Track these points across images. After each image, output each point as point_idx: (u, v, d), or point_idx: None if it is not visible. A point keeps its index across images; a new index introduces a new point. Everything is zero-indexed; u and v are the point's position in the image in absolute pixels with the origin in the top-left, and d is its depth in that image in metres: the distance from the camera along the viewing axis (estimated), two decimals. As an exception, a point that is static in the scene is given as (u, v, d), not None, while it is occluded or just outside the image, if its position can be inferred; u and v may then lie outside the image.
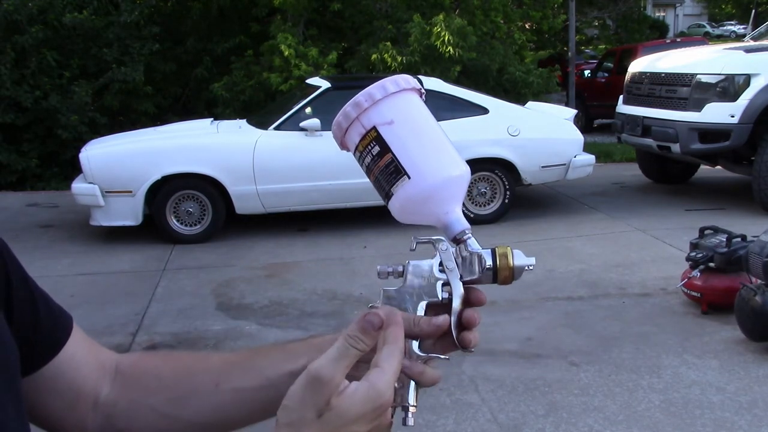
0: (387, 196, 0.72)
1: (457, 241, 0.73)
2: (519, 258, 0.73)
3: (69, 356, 0.80)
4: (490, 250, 0.73)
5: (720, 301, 4.32)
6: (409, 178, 0.70)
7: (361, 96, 0.71)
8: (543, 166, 7.14)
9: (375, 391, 0.61)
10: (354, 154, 0.74)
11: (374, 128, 0.71)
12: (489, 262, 0.72)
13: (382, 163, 0.71)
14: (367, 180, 0.73)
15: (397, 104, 0.71)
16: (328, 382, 0.60)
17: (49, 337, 0.79)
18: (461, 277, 0.73)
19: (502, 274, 0.72)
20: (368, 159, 0.72)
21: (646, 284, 5.06)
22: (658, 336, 4.16)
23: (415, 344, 0.71)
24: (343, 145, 0.74)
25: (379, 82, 0.72)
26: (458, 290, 0.72)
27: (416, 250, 0.75)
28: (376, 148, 0.71)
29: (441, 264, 0.73)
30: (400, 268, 0.73)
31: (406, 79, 0.73)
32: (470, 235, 0.73)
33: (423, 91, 0.75)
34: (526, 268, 0.73)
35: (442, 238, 0.74)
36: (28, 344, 0.76)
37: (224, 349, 4.19)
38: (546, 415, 3.29)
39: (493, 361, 3.85)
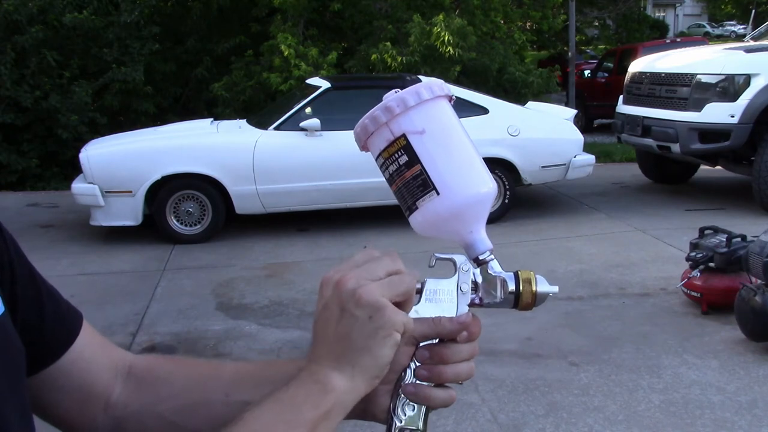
0: (410, 209, 0.69)
1: (479, 262, 0.70)
2: (542, 284, 0.71)
3: (78, 354, 0.79)
4: (512, 275, 0.71)
5: (720, 301, 4.32)
6: (438, 194, 0.67)
7: (393, 101, 0.68)
8: (543, 166, 7.15)
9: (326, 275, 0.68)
10: (376, 159, 0.70)
11: (404, 136, 0.68)
12: (512, 287, 0.70)
13: (409, 175, 0.68)
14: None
15: (429, 112, 0.68)
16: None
17: (58, 335, 0.78)
18: (481, 301, 0.71)
19: (524, 300, 0.71)
20: (393, 167, 0.69)
21: (646, 284, 5.06)
22: (658, 336, 4.16)
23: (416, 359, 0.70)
24: (364, 148, 0.71)
25: (413, 87, 0.68)
26: (463, 314, 0.70)
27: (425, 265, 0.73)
28: (404, 158, 0.68)
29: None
30: (418, 285, 0.70)
31: (440, 86, 0.70)
32: (493, 256, 0.70)
33: (453, 97, 0.72)
34: (549, 295, 0.72)
35: (464, 256, 0.71)
36: (36, 341, 0.75)
37: (224, 350, 4.20)
38: (546, 415, 3.29)
39: (493, 361, 3.85)
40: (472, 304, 0.71)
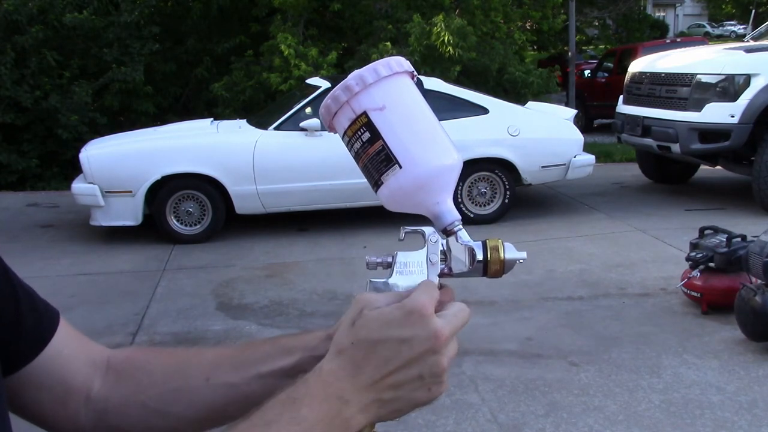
0: (376, 184, 0.70)
1: (448, 232, 0.71)
2: (510, 251, 0.72)
3: (56, 352, 0.79)
4: (480, 243, 0.72)
5: (720, 301, 4.32)
6: (400, 167, 0.68)
7: (351, 79, 0.68)
8: (543, 166, 7.15)
9: (403, 304, 0.64)
10: (342, 138, 0.71)
11: (365, 113, 0.68)
12: (480, 255, 0.71)
13: (372, 151, 0.68)
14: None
15: (389, 89, 0.69)
16: (360, 298, 0.66)
17: (34, 333, 0.78)
18: (450, 270, 0.71)
19: (492, 268, 0.71)
20: (357, 145, 0.69)
21: (646, 284, 5.06)
22: (658, 336, 4.16)
23: None
24: (330, 128, 0.72)
25: (371, 65, 0.69)
26: None
27: (405, 240, 0.74)
28: (366, 135, 0.68)
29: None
30: (389, 259, 0.71)
31: (398, 62, 0.70)
32: (461, 226, 0.71)
33: (415, 73, 0.72)
34: (518, 261, 0.72)
35: (432, 228, 0.72)
36: (13, 340, 0.75)
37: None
38: (546, 415, 3.29)
39: (493, 361, 3.85)
40: (442, 274, 0.71)
